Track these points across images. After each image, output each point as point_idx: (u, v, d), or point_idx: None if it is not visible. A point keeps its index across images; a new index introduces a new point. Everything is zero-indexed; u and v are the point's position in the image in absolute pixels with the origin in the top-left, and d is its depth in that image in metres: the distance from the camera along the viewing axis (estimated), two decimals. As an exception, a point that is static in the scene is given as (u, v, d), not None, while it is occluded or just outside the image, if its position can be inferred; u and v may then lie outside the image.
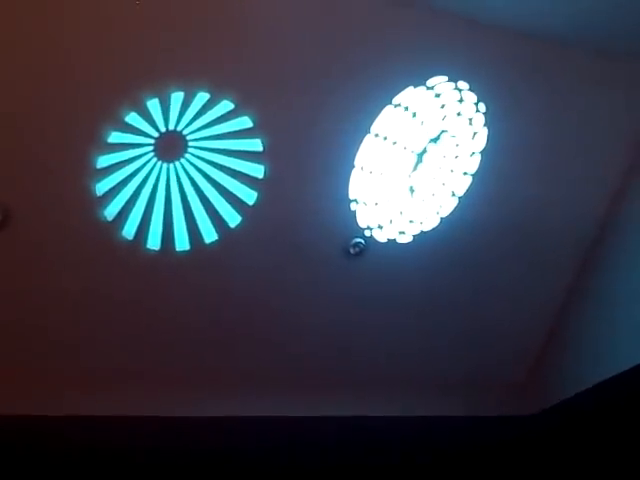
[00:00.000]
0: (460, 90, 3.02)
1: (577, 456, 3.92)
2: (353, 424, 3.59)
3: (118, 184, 2.84)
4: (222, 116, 2.81)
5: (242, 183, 2.96)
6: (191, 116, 2.79)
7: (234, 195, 2.97)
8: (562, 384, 3.62)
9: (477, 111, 3.08)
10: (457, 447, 3.93)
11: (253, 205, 3.00)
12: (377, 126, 3.00)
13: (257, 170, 2.94)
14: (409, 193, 3.21)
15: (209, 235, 3.02)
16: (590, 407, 3.55)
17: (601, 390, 3.37)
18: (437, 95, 3.02)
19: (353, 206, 3.13)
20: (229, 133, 2.86)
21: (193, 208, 2.95)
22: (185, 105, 2.75)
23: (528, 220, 3.35)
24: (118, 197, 2.87)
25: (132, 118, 2.73)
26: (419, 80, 2.95)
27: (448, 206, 3.27)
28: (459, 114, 3.09)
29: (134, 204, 2.89)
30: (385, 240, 3.25)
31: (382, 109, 2.97)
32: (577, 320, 3.59)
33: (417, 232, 3.28)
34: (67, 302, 3.00)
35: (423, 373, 3.60)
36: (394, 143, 3.08)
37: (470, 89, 3.02)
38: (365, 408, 3.52)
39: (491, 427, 3.83)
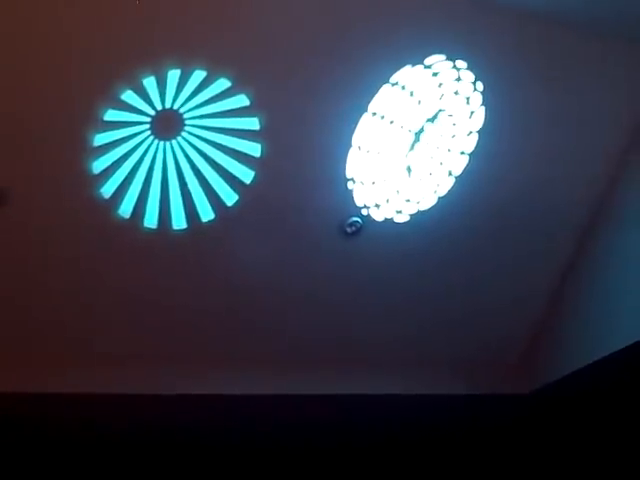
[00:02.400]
0: (458, 69, 3.01)
1: (572, 435, 3.94)
2: (349, 403, 3.61)
3: (115, 162, 2.84)
4: (219, 94, 2.80)
5: (239, 162, 2.95)
6: (188, 94, 2.78)
7: (231, 174, 2.97)
8: (558, 363, 3.64)
9: (474, 90, 3.07)
10: (454, 426, 3.95)
11: (250, 184, 2.99)
12: (374, 105, 2.99)
13: (254, 149, 2.94)
14: (406, 172, 3.21)
15: (206, 214, 3.02)
16: (585, 386, 3.57)
17: (596, 369, 3.39)
18: (435, 74, 3.00)
19: (350, 185, 3.13)
20: (226, 111, 2.85)
21: (190, 186, 2.95)
22: (182, 83, 2.74)
23: (525, 199, 3.35)
24: (115, 175, 2.86)
25: (128, 96, 2.71)
26: (417, 59, 2.94)
27: (445, 185, 3.26)
28: (456, 93, 3.08)
29: (131, 182, 2.89)
30: (382, 219, 3.26)
31: (379, 88, 2.96)
32: (574, 299, 3.60)
33: (414, 211, 3.28)
34: (63, 280, 3.01)
35: (419, 352, 3.62)
36: (391, 122, 3.08)
37: (468, 68, 3.00)
38: (361, 387, 3.55)
39: (488, 406, 3.85)
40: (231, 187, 2.99)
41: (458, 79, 3.04)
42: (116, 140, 2.80)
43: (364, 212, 3.22)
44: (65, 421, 3.38)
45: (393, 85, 2.98)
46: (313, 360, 3.47)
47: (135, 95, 2.72)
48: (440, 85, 3.05)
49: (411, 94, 3.03)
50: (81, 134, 2.73)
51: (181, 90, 2.76)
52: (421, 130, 3.13)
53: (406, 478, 4.10)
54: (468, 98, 3.09)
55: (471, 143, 3.19)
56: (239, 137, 2.91)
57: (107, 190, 2.88)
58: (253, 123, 2.88)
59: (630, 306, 3.21)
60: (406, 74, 2.96)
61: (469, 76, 3.03)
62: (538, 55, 3.04)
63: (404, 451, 4.03)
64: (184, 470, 3.84)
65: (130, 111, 2.75)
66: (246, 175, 2.98)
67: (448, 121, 3.14)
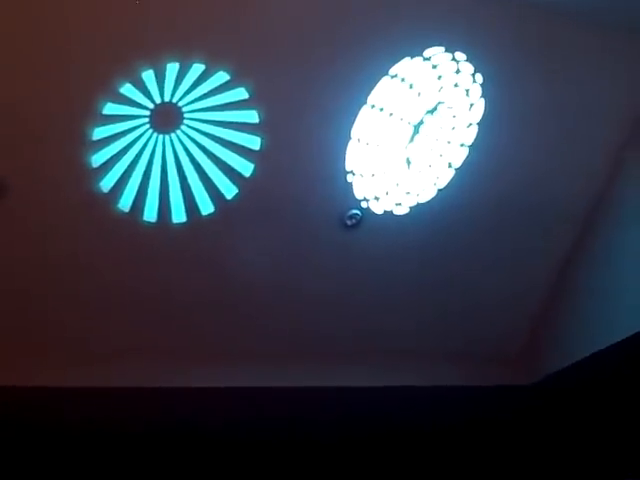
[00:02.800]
0: (457, 61, 3.00)
1: (573, 426, 3.95)
2: (349, 395, 3.61)
3: (114, 156, 2.84)
4: (218, 87, 2.80)
5: (238, 155, 2.95)
6: (186, 87, 2.77)
7: (230, 167, 2.96)
8: (559, 355, 3.64)
9: (474, 82, 3.06)
10: (455, 418, 3.96)
11: (249, 177, 2.99)
12: (374, 97, 2.99)
13: (253, 142, 2.93)
14: (406, 164, 3.20)
15: (205, 207, 3.02)
16: (585, 378, 3.58)
17: (596, 361, 3.40)
18: (434, 66, 3.00)
19: (349, 178, 3.13)
20: (225, 104, 2.84)
21: (189, 180, 2.95)
22: (180, 76, 2.74)
23: (524, 192, 3.34)
24: (114, 169, 2.86)
25: (127, 89, 2.71)
26: (416, 51, 2.93)
27: (445, 177, 3.26)
28: (456, 85, 3.07)
29: (130, 176, 2.89)
30: (381, 212, 3.26)
31: (379, 80, 2.95)
32: (573, 292, 3.60)
33: (413, 204, 3.28)
34: (63, 274, 3.01)
35: (419, 344, 3.62)
36: (391, 114, 3.07)
37: (467, 60, 3.00)
38: (360, 379, 3.55)
39: (489, 398, 3.85)
40: (230, 180, 2.99)
41: (457, 71, 3.03)
42: (115, 134, 2.79)
43: (364, 204, 3.21)
44: (64, 415, 3.38)
45: (392, 77, 2.97)
46: (312, 352, 3.48)
47: (134, 89, 2.71)
48: (439, 77, 3.04)
49: (410, 86, 3.03)
50: (80, 128, 2.72)
51: (180, 83, 2.75)
52: (420, 122, 3.13)
53: (407, 470, 4.11)
54: (467, 90, 3.09)
55: (471, 135, 3.19)
56: (238, 130, 2.91)
57: (106, 184, 2.87)
58: (252, 116, 2.88)
59: (628, 299, 3.22)
60: (405, 66, 2.96)
61: (468, 68, 3.02)
62: (538, 47, 3.03)
63: (404, 443, 4.04)
64: (183, 463, 3.85)
65: (129, 105, 2.75)
66: (245, 168, 2.98)
67: (447, 113, 3.13)
